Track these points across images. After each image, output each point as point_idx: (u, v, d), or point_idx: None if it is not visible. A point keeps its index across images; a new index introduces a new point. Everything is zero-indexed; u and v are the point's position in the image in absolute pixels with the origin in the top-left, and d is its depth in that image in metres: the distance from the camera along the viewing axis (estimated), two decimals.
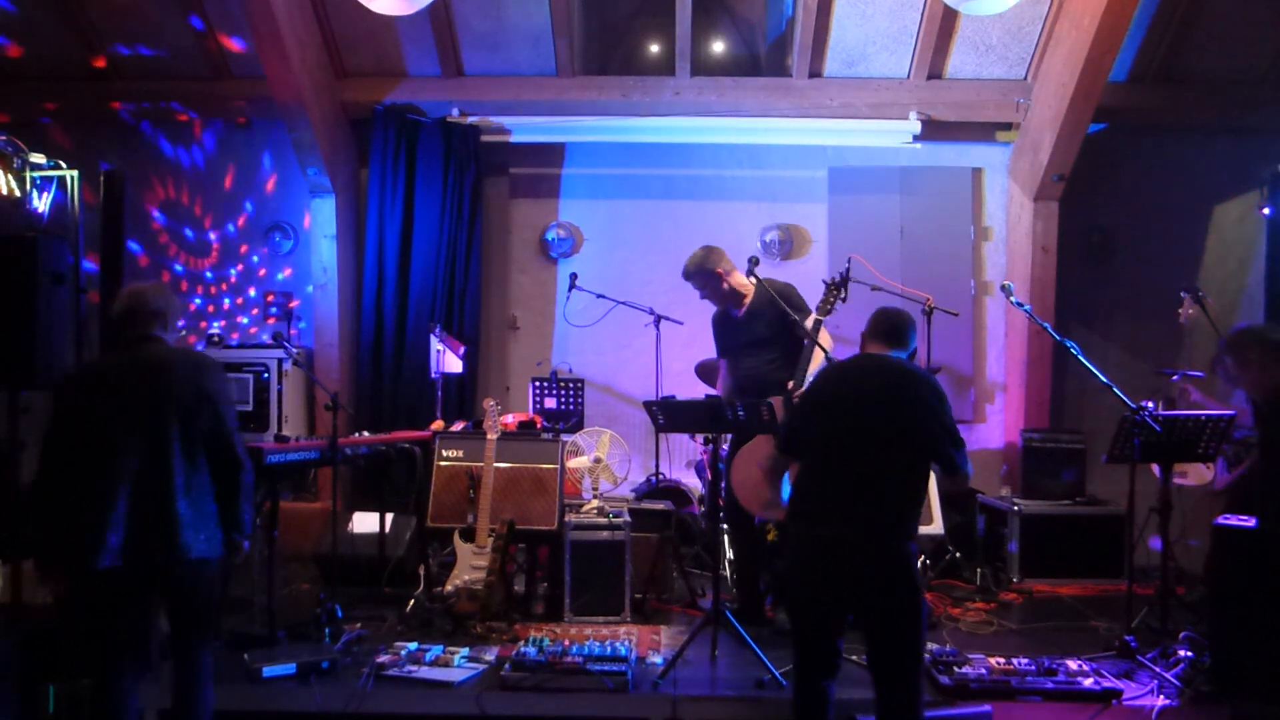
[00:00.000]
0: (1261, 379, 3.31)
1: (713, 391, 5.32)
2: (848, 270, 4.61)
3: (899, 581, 3.09)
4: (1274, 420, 3.21)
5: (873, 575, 3.10)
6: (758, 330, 4.88)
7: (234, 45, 6.56)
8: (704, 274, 4.89)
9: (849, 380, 3.31)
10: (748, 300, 4.92)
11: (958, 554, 5.78)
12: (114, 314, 3.35)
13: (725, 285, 4.90)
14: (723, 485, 4.74)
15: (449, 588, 4.71)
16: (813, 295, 6.83)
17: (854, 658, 4.15)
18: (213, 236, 7.16)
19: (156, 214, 7.14)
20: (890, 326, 3.32)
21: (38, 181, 5.34)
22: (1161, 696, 3.84)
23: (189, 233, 7.15)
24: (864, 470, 3.14)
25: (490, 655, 4.21)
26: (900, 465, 3.12)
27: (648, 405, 4.58)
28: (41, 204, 5.33)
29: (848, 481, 3.15)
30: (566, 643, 4.11)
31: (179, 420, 3.21)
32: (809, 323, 4.55)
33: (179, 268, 7.14)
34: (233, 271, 7.17)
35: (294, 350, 5.86)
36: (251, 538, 3.49)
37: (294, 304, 7.07)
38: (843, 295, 4.60)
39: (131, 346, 3.30)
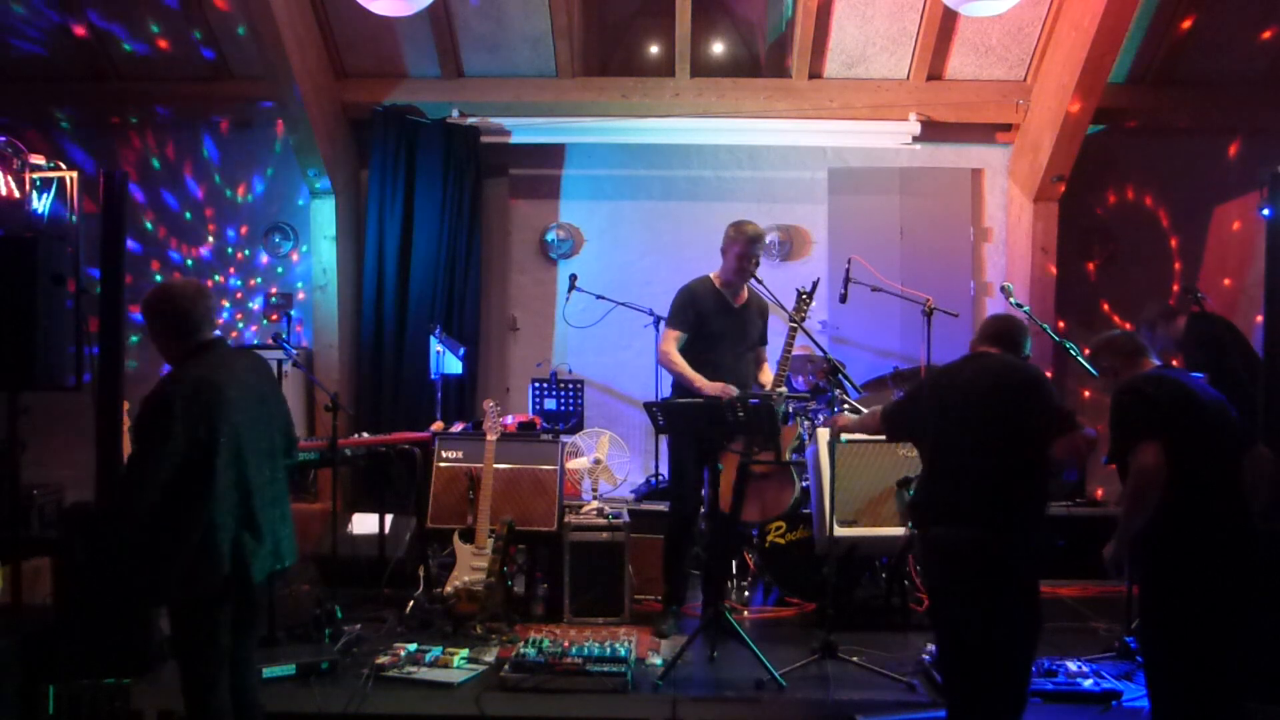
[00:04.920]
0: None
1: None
2: (816, 283, 4.78)
3: (1024, 585, 3.11)
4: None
5: (1001, 579, 3.10)
6: (751, 331, 4.87)
7: (233, 45, 6.56)
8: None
9: (970, 378, 3.33)
10: (745, 294, 4.88)
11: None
12: (194, 297, 3.17)
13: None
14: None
15: (448, 589, 4.70)
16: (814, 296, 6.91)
17: (854, 659, 4.16)
18: (212, 237, 7.17)
19: (156, 215, 7.14)
20: (996, 332, 3.42)
21: (37, 183, 5.34)
22: None
23: (189, 234, 7.15)
24: (989, 471, 3.16)
25: (490, 656, 4.20)
26: (1017, 462, 3.15)
27: (647, 406, 4.57)
28: (41, 205, 5.33)
29: (980, 483, 3.16)
30: (566, 644, 4.10)
31: (280, 425, 3.30)
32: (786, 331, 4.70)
33: (179, 269, 7.15)
34: (233, 272, 7.18)
35: (293, 351, 5.86)
36: None
37: (294, 305, 7.07)
38: (812, 302, 4.72)
39: (219, 348, 3.20)
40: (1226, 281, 6.86)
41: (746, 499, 4.74)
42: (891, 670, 4.06)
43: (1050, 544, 3.23)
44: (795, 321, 4.63)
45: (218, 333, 3.30)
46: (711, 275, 4.88)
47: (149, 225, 7.10)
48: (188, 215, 7.15)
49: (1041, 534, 3.20)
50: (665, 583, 4.88)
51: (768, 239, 6.98)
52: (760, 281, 4.76)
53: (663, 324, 5.70)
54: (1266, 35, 6.35)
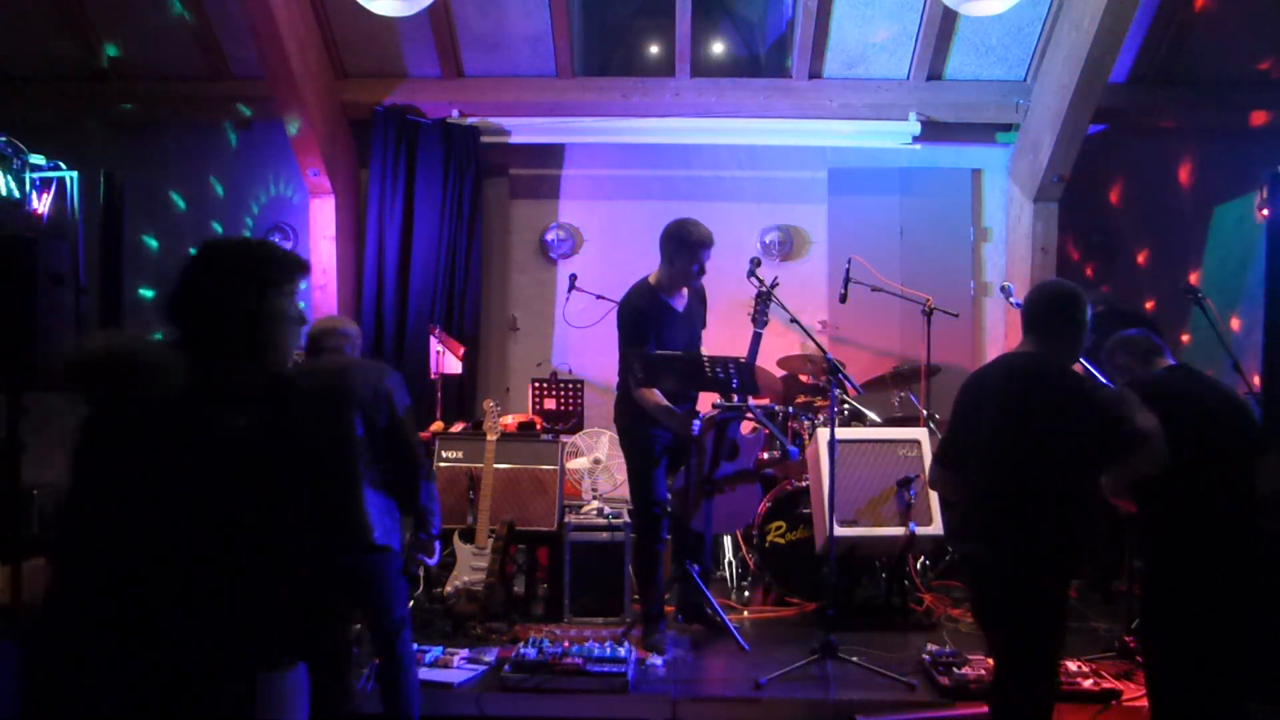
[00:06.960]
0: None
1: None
2: (774, 281, 4.53)
3: (1015, 612, 2.94)
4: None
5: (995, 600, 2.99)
6: (696, 328, 4.66)
7: (233, 45, 6.56)
8: None
9: (983, 383, 3.13)
10: (686, 292, 4.57)
11: (957, 554, 5.77)
12: (310, 332, 3.63)
13: None
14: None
15: (449, 589, 4.72)
16: (813, 297, 6.92)
17: (854, 659, 4.16)
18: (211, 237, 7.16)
19: (155, 215, 7.12)
20: (1027, 312, 3.07)
21: (37, 183, 5.34)
22: None
23: (188, 233, 7.14)
24: (996, 485, 2.98)
25: (490, 656, 4.21)
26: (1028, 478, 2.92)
27: (623, 356, 4.43)
28: (41, 205, 5.33)
29: (996, 499, 2.98)
30: (566, 644, 4.11)
31: (361, 418, 3.38)
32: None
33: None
34: None
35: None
36: (439, 538, 3.67)
37: None
38: (770, 303, 4.46)
39: (316, 355, 3.60)
40: (1226, 282, 6.85)
41: (714, 510, 4.60)
42: (892, 670, 4.06)
43: (1073, 554, 2.99)
44: (759, 328, 4.47)
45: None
46: (650, 279, 4.52)
47: (148, 225, 7.09)
48: (187, 215, 7.13)
49: (1063, 543, 2.94)
50: (644, 595, 4.58)
51: (767, 238, 6.99)
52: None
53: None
54: (1266, 36, 6.34)
